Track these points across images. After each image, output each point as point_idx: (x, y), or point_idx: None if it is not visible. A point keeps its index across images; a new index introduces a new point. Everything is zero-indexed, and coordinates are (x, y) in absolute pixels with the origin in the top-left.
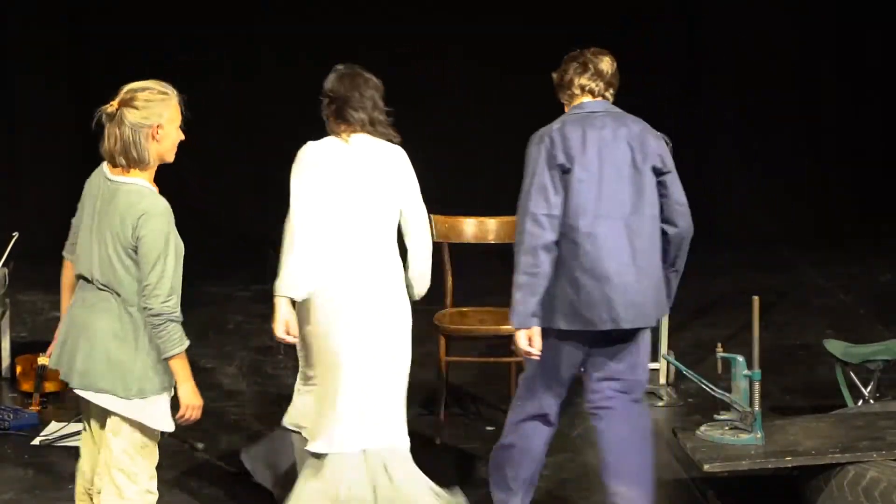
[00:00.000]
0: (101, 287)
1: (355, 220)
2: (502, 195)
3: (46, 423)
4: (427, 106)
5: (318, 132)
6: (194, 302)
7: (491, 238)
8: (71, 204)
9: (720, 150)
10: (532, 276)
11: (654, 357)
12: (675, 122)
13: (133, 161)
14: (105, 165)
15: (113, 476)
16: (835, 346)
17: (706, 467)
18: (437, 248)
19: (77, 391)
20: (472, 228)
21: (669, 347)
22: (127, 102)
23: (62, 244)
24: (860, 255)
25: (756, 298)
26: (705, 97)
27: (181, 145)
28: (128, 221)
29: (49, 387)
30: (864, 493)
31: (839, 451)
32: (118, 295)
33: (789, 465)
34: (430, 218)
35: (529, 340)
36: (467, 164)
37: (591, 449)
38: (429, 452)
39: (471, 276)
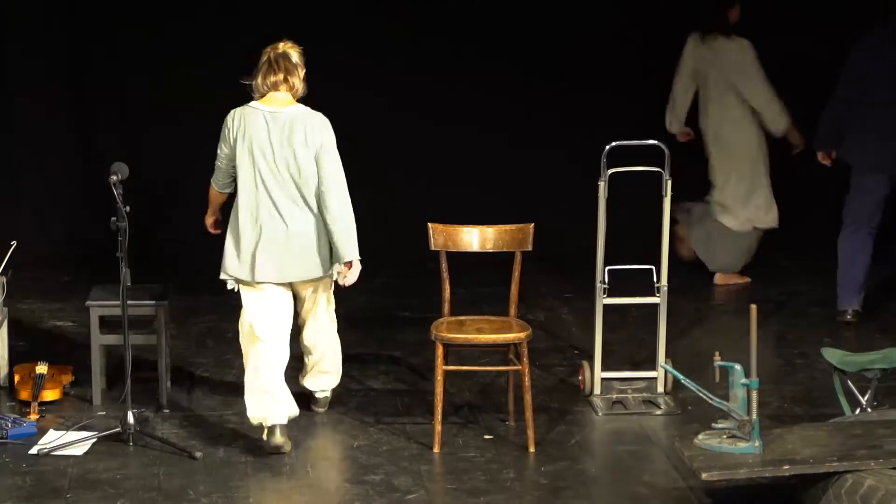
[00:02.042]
0: (304, 189)
1: None
2: (501, 204)
3: (45, 432)
4: (427, 113)
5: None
6: (193, 311)
7: (489, 247)
8: (70, 212)
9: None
10: None
11: (652, 366)
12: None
13: (300, 94)
14: (261, 102)
15: (329, 308)
16: (832, 355)
17: (704, 476)
18: (435, 256)
19: (308, 279)
20: (471, 237)
21: (667, 356)
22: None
23: (61, 253)
24: None
25: (754, 307)
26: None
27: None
28: (315, 133)
29: (47, 396)
30: (861, 502)
31: (837, 460)
32: (307, 193)
33: (787, 474)
34: (428, 226)
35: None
36: (467, 172)
37: (589, 457)
38: (426, 461)
39: (469, 286)
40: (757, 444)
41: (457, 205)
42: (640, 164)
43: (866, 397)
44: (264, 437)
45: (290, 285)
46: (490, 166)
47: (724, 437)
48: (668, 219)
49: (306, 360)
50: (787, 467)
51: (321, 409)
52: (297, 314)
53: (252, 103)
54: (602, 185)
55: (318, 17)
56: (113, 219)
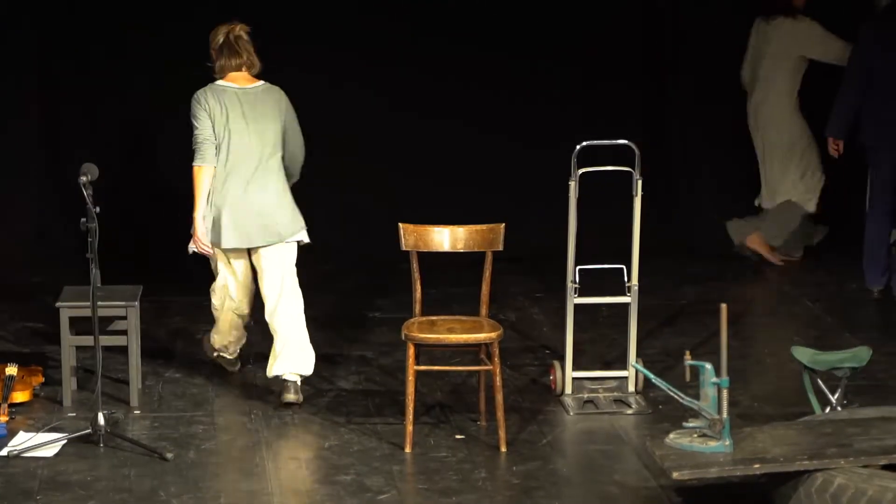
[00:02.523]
0: (271, 159)
1: None
2: (472, 204)
3: (14, 434)
4: (399, 115)
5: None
6: (163, 311)
7: (460, 247)
8: (40, 215)
9: (688, 158)
10: None
11: (623, 365)
12: (641, 130)
13: (257, 70)
14: (227, 81)
15: (292, 283)
16: (802, 354)
17: (675, 475)
18: (406, 256)
19: (281, 242)
20: (441, 237)
21: (638, 355)
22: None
23: (30, 255)
24: (827, 263)
25: (724, 306)
26: (671, 104)
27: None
28: (282, 105)
29: (17, 397)
30: (831, 500)
31: (807, 459)
32: (274, 163)
33: (758, 473)
34: (399, 227)
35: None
36: (438, 172)
37: (561, 457)
38: (397, 461)
39: (440, 286)
40: (727, 442)
41: (429, 204)
42: (615, 164)
43: (836, 396)
44: (213, 354)
45: (256, 259)
46: (463, 166)
47: (695, 435)
48: (638, 218)
49: (275, 341)
50: (757, 466)
51: (293, 398)
52: (262, 292)
53: (219, 82)
54: (573, 185)
55: (317, 18)
56: (83, 220)
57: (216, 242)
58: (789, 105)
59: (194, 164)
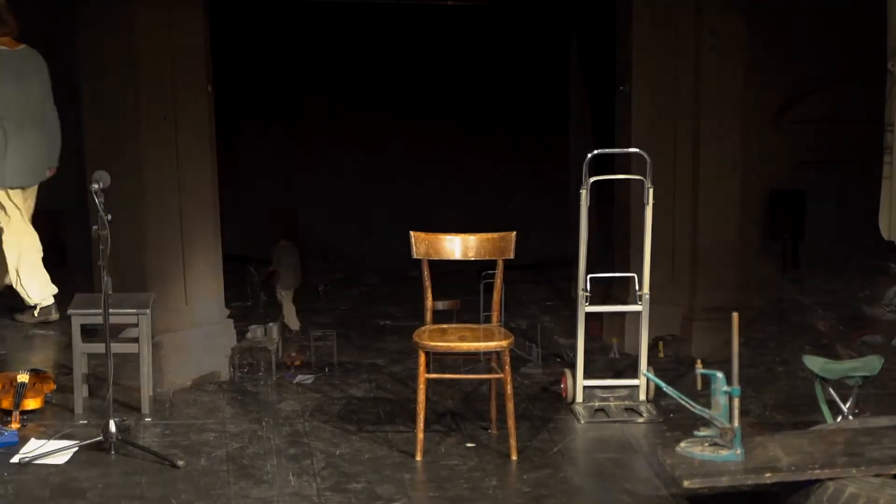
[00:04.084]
0: (35, 112)
1: None
2: (483, 213)
3: (26, 441)
4: (410, 123)
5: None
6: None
7: (471, 255)
8: (50, 221)
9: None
10: None
11: (634, 373)
12: (653, 136)
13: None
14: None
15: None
16: (814, 363)
17: (686, 483)
18: (417, 265)
19: (37, 182)
20: (453, 245)
21: (649, 364)
22: None
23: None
24: (839, 271)
25: (735, 314)
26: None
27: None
28: (42, 67)
29: (28, 404)
30: None
31: (818, 467)
32: (37, 115)
33: (769, 481)
34: (410, 235)
35: None
36: (449, 181)
37: (572, 465)
38: (409, 469)
39: (451, 294)
40: (738, 451)
41: (439, 212)
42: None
43: (847, 405)
44: (35, 313)
45: (21, 198)
46: (474, 175)
47: (706, 444)
48: (650, 226)
49: (25, 269)
50: (768, 475)
51: (56, 316)
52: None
53: None
54: (584, 194)
55: (319, 25)
56: (94, 227)
57: (8, 184)
58: None
59: None
